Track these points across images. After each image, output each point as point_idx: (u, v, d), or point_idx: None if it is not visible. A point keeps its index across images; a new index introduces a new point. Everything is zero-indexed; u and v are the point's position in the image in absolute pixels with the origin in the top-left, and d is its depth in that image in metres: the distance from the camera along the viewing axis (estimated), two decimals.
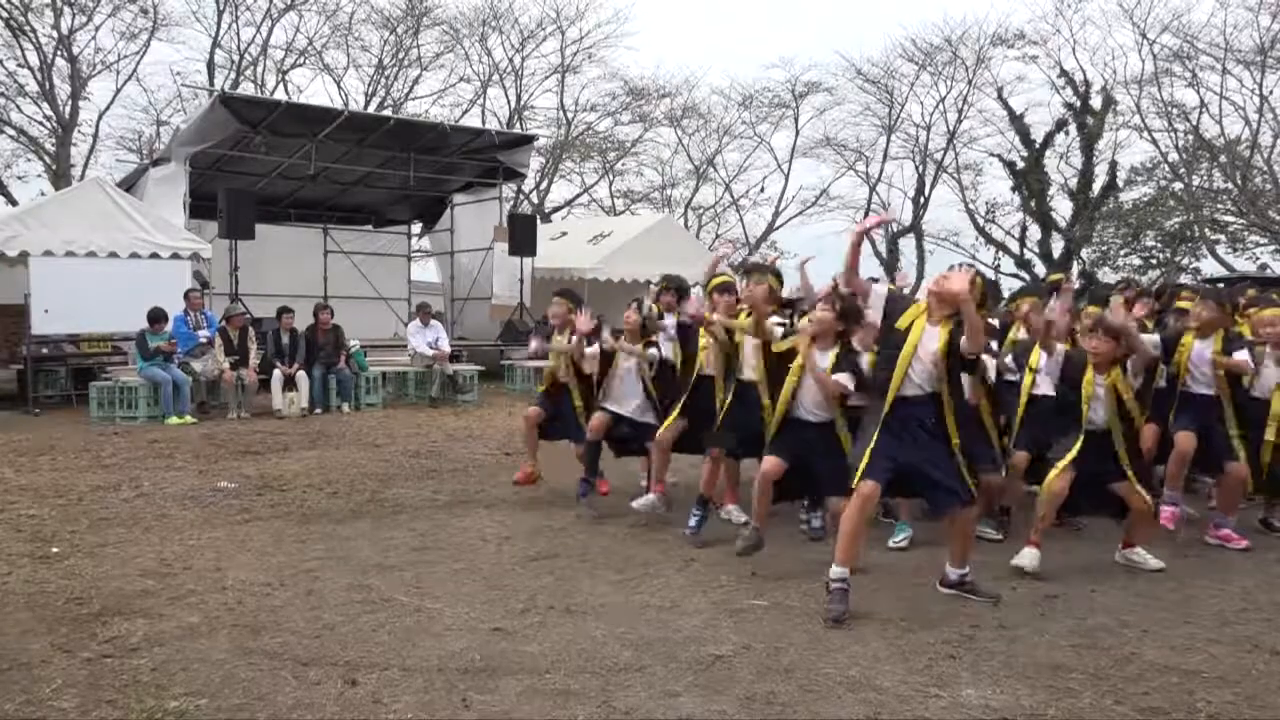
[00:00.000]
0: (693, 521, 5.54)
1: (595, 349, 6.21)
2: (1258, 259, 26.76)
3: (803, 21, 44.82)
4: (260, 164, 15.72)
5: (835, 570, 4.28)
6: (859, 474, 4.31)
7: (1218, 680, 3.59)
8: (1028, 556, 4.92)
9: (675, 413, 5.88)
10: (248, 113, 14.14)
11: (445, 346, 13.28)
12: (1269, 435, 5.69)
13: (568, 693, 3.44)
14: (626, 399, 6.20)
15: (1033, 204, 28.62)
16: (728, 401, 5.53)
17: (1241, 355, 5.66)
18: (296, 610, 4.31)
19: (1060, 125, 28.17)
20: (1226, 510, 5.69)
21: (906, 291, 6.36)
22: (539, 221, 19.73)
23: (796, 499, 5.55)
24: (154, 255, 12.29)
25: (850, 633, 4.04)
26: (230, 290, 13.92)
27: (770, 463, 4.92)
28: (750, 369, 5.42)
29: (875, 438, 4.37)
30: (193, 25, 26.16)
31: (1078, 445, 4.96)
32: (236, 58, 26.57)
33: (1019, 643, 3.95)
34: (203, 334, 11.52)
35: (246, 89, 25.16)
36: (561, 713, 3.29)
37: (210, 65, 26.10)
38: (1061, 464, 4.97)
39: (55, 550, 5.30)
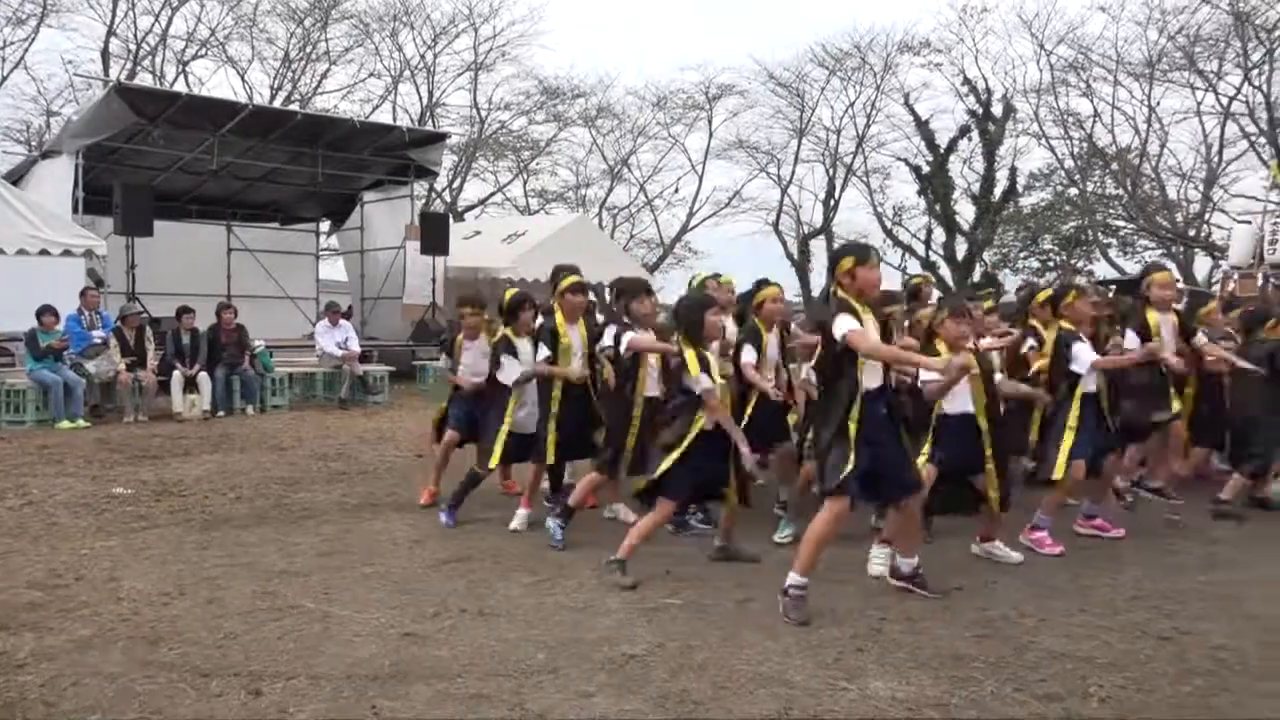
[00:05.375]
0: (559, 534, 5.39)
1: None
2: (1146, 262, 28.07)
3: (716, 25, 45.30)
4: (158, 158, 15.18)
5: (794, 579, 4.21)
6: (837, 486, 4.17)
7: (1109, 666, 3.73)
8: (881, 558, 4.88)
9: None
10: (145, 105, 13.66)
11: (355, 347, 13.05)
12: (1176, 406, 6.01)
13: (480, 696, 3.40)
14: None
15: (938, 207, 29.51)
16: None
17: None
18: (197, 619, 4.16)
19: (963, 131, 29.12)
20: (1097, 499, 5.83)
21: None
22: (452, 220, 19.51)
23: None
24: (44, 252, 11.77)
25: (762, 629, 4.09)
26: (127, 289, 13.41)
27: (667, 509, 4.82)
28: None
29: (859, 452, 4.15)
30: (86, 11, 24.95)
31: (930, 436, 4.96)
32: (133, 47, 25.59)
33: (924, 634, 4.05)
34: (97, 334, 11.08)
35: (144, 80, 24.24)
36: (473, 717, 3.25)
37: (105, 54, 25.06)
38: (921, 460, 4.90)
39: None
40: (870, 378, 4.21)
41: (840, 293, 4.30)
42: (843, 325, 4.13)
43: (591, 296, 6.24)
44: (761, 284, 5.94)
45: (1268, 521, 6.29)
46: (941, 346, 4.96)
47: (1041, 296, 6.06)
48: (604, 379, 5.77)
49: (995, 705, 3.38)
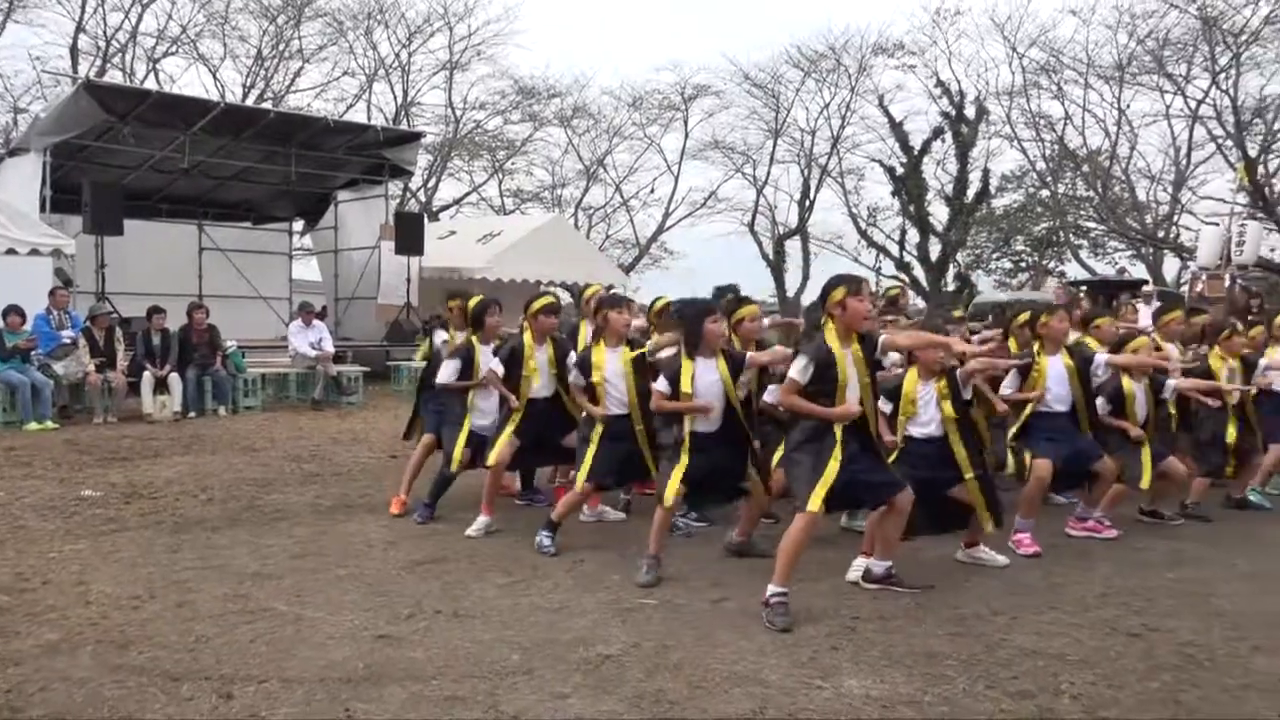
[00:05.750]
0: (547, 543, 5.31)
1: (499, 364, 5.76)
2: (1116, 263, 28.48)
3: (692, 26, 45.39)
4: (129, 156, 14.96)
5: (774, 589, 4.19)
6: (812, 501, 4.20)
7: (1080, 663, 3.78)
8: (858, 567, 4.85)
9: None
10: (114, 102, 13.47)
11: (328, 347, 12.94)
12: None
13: (455, 698, 3.38)
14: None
15: (911, 209, 29.67)
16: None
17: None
18: (167, 623, 4.12)
19: (937, 133, 29.30)
20: (1092, 504, 5.86)
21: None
22: (426, 220, 19.41)
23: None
24: (10, 251, 11.59)
25: (736, 628, 4.10)
26: (97, 289, 13.24)
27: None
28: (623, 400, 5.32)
29: (843, 465, 4.23)
30: (54, 7, 24.54)
31: (894, 455, 4.88)
32: (103, 44, 25.22)
33: (898, 633, 4.08)
34: (66, 334, 10.93)
35: (114, 77, 23.90)
36: (448, 718, 3.24)
37: (74, 51, 24.67)
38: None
39: None
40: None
41: (830, 324, 4.33)
42: (792, 369, 4.31)
43: (567, 297, 6.23)
44: (741, 301, 5.86)
45: (1234, 519, 6.40)
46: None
47: (1021, 318, 6.13)
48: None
49: (968, 702, 3.41)
